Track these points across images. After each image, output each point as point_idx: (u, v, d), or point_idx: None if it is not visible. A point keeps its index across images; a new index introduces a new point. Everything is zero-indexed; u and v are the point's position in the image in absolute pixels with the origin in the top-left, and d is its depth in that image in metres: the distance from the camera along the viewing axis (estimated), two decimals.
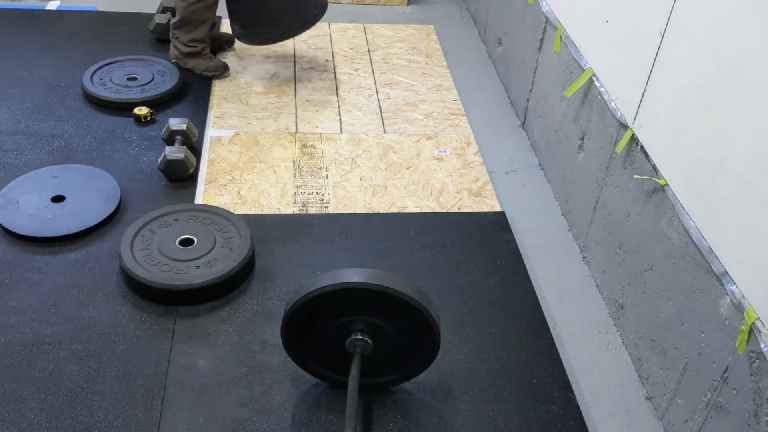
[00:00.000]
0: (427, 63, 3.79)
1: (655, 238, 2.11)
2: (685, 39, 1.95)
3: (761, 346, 1.61)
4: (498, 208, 2.81)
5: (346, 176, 2.93)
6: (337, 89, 3.52)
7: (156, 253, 2.35)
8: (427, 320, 1.80)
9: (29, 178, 2.69)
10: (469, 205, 2.81)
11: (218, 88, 3.42)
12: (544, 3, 3.03)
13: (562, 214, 2.83)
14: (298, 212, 2.71)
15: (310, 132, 3.18)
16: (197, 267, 2.31)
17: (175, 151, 2.75)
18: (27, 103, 3.18)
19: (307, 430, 1.94)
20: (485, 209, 2.80)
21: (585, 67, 2.58)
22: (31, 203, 2.57)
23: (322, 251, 2.53)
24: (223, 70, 3.50)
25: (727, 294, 1.75)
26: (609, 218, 2.42)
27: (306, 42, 3.90)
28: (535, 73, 3.17)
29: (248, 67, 3.63)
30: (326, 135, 3.17)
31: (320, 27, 3.97)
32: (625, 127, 2.29)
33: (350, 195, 2.83)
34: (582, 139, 2.64)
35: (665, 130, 2.05)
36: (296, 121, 3.25)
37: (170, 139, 2.88)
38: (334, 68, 3.71)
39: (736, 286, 1.71)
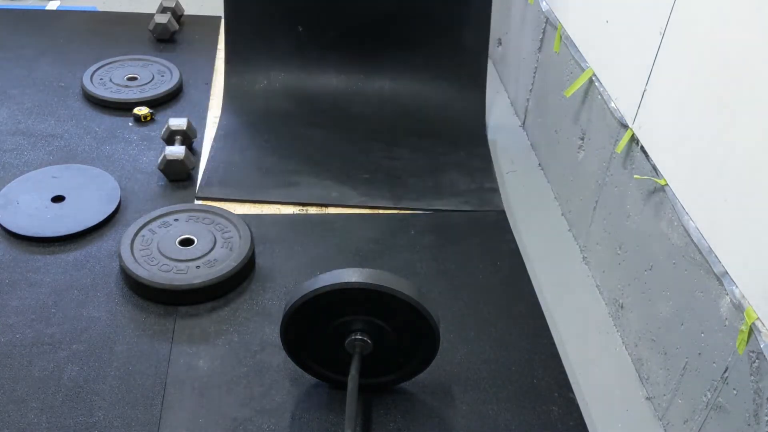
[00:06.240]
0: None
1: (655, 238, 2.11)
2: (685, 39, 1.95)
3: (761, 346, 1.61)
4: (498, 208, 2.80)
5: None
6: None
7: (156, 253, 2.35)
8: (427, 320, 1.80)
9: (29, 178, 2.69)
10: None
11: (218, 88, 3.42)
12: (544, 3, 3.03)
13: (562, 214, 2.83)
14: (298, 212, 2.71)
15: None
16: (197, 267, 2.31)
17: (175, 151, 2.75)
18: (27, 103, 3.18)
19: (307, 430, 1.94)
20: (485, 209, 2.79)
21: (585, 67, 2.58)
22: (31, 203, 2.57)
23: (322, 251, 2.53)
24: None
25: (727, 294, 1.75)
26: (609, 218, 2.42)
27: None
28: (535, 73, 3.17)
29: None
30: None
31: None
32: (625, 127, 2.29)
33: None
34: (582, 139, 2.64)
35: (665, 130, 2.05)
36: None
37: (170, 139, 2.88)
38: None
39: (736, 286, 1.71)
